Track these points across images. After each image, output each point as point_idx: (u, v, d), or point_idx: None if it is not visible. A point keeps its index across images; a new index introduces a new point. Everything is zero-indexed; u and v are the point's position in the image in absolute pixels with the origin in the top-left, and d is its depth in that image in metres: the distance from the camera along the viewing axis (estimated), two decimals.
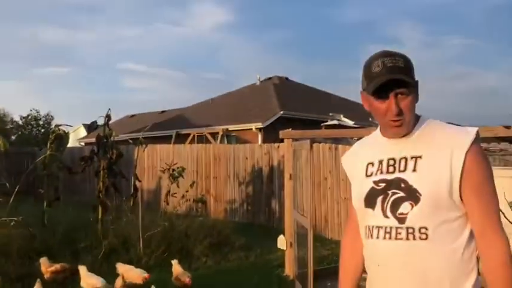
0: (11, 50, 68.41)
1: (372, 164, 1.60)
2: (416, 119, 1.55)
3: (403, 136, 1.52)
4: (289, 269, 5.51)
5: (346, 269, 1.75)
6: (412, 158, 1.49)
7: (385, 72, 1.45)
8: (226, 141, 15.25)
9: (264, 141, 14.24)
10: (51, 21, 69.71)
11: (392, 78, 1.44)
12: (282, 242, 5.61)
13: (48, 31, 68.54)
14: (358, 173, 1.64)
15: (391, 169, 1.53)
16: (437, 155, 1.46)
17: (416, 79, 1.51)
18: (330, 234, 8.24)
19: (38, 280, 4.54)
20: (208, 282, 5.40)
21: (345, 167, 1.76)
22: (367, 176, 1.59)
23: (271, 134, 15.11)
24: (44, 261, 5.14)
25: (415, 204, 1.43)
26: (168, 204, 7.87)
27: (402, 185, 1.47)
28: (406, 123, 1.50)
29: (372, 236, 1.53)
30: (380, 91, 1.46)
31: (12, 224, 6.08)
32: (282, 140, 9.33)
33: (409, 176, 1.47)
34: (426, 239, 1.43)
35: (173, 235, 6.55)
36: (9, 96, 68.13)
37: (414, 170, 1.47)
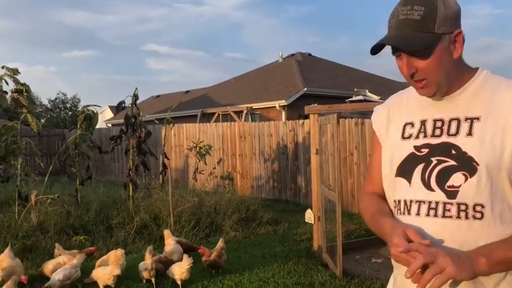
0: (38, 35, 69.69)
1: (412, 124, 1.34)
2: (472, 72, 1.29)
3: (452, 93, 1.27)
4: (317, 243, 5.58)
5: (376, 207, 1.42)
6: (466, 119, 1.24)
7: (395, 26, 1.21)
8: (250, 119, 15.31)
9: (288, 118, 14.24)
10: (75, 4, 70.40)
11: (383, 44, 1.22)
12: (309, 216, 5.66)
13: (73, 14, 69.35)
14: (392, 133, 1.38)
15: (437, 132, 1.27)
16: (500, 115, 1.20)
17: (449, 30, 1.20)
18: (357, 209, 8.25)
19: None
20: (238, 254, 5.53)
21: (375, 125, 1.47)
22: (404, 138, 1.34)
23: (295, 111, 15.11)
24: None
25: (470, 176, 1.19)
26: (196, 181, 8.01)
27: (453, 152, 1.22)
28: (433, 84, 1.24)
29: (409, 212, 1.26)
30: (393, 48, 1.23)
31: (48, 201, 6.32)
32: (306, 117, 9.33)
33: (463, 141, 1.22)
34: (481, 218, 1.18)
35: (202, 211, 6.69)
36: (37, 80, 69.77)
37: (469, 134, 1.22)
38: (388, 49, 1.26)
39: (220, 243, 4.88)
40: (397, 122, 1.39)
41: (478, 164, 1.18)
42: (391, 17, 1.23)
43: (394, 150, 1.35)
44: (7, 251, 4.50)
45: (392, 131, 1.38)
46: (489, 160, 1.18)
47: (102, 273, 4.28)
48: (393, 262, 1.41)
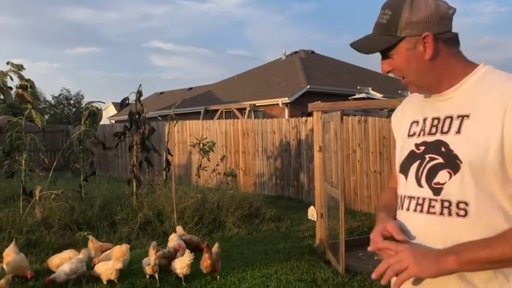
0: (42, 32, 69.81)
1: (417, 122, 1.38)
2: (471, 68, 1.29)
3: (446, 91, 1.29)
4: (320, 239, 5.60)
5: (384, 202, 1.54)
6: (458, 117, 1.25)
7: (373, 28, 1.32)
8: (253, 117, 15.32)
9: (291, 115, 14.24)
10: (78, 1, 70.49)
11: (352, 45, 1.34)
12: (312, 213, 5.68)
13: (76, 11, 69.42)
14: (402, 131, 1.43)
15: (433, 130, 1.30)
16: (487, 113, 1.19)
17: (414, 33, 1.24)
18: (360, 206, 8.28)
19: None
20: (241, 251, 5.56)
21: (392, 124, 1.54)
22: (409, 136, 1.38)
23: (297, 108, 15.10)
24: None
25: (454, 174, 1.20)
26: (199, 177, 8.04)
27: (442, 149, 1.25)
28: (411, 83, 1.33)
29: (402, 206, 1.33)
30: None
31: (52, 197, 6.35)
32: (309, 114, 9.33)
33: (451, 139, 1.24)
34: (465, 216, 1.19)
35: (206, 207, 6.71)
36: (41, 76, 69.95)
37: (458, 132, 1.23)
38: None
39: (215, 249, 4.58)
40: (406, 120, 1.43)
41: (461, 162, 1.20)
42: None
43: (402, 147, 1.41)
44: (12, 246, 4.54)
45: (402, 129, 1.43)
46: (472, 158, 1.18)
47: (104, 267, 4.30)
48: None
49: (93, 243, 4.97)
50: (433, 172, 1.25)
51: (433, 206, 1.23)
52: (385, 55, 1.30)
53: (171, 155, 7.90)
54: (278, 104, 16.05)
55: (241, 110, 16.07)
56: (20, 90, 6.71)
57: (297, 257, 5.19)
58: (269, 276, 4.59)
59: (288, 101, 15.83)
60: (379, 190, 7.89)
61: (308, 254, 5.34)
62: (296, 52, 22.68)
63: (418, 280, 1.23)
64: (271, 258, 5.23)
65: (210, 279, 4.54)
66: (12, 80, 6.77)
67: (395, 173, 1.47)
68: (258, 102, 16.50)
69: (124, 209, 6.70)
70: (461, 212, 1.19)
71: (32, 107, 6.80)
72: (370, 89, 17.87)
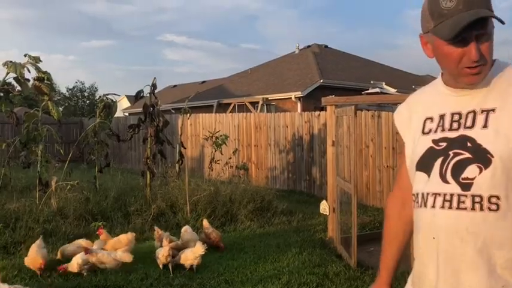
0: (57, 25, 70.39)
1: (431, 119, 1.33)
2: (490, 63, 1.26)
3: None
4: (332, 234, 5.62)
5: (391, 235, 1.56)
6: (482, 111, 1.22)
7: (462, 7, 1.14)
8: (265, 110, 15.31)
9: (304, 109, 14.19)
10: None
11: (480, 17, 1.13)
12: (324, 207, 5.70)
13: (91, 4, 69.84)
14: (413, 129, 1.38)
15: (454, 125, 1.26)
16: None
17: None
18: (372, 201, 8.27)
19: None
20: (253, 243, 5.60)
21: (397, 123, 1.48)
22: (424, 133, 1.34)
23: (310, 102, 15.06)
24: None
25: (485, 168, 1.18)
26: (212, 170, 8.09)
27: (468, 144, 1.21)
28: (485, 70, 1.22)
29: (425, 204, 1.27)
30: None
31: (68, 188, 6.45)
32: (322, 108, 9.31)
33: (478, 134, 1.21)
34: (497, 210, 1.17)
35: (218, 200, 6.76)
36: (56, 68, 70.61)
37: (485, 126, 1.20)
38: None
39: (205, 224, 5.36)
40: (418, 117, 1.38)
41: (492, 156, 1.17)
42: (448, 0, 1.16)
43: (415, 145, 1.36)
44: (39, 240, 4.54)
45: (414, 127, 1.39)
46: (503, 152, 1.16)
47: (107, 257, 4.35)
48: (414, 252, 1.42)
49: (158, 233, 4.99)
50: (459, 167, 1.22)
51: (463, 202, 1.20)
52: (485, 34, 1.18)
53: (184, 148, 7.95)
54: (291, 97, 16.01)
55: (254, 104, 16.07)
56: (37, 82, 6.79)
57: (309, 251, 5.21)
58: (281, 269, 4.63)
59: (301, 95, 15.78)
60: (392, 185, 7.86)
61: (320, 248, 5.36)
62: (309, 46, 22.56)
63: (454, 277, 1.23)
64: (283, 251, 5.26)
65: (223, 270, 4.59)
66: (29, 72, 6.86)
67: (403, 177, 1.45)
68: (271, 96, 16.47)
69: (138, 200, 6.77)
70: (493, 207, 1.17)
71: (49, 98, 6.88)
72: (383, 83, 17.73)
